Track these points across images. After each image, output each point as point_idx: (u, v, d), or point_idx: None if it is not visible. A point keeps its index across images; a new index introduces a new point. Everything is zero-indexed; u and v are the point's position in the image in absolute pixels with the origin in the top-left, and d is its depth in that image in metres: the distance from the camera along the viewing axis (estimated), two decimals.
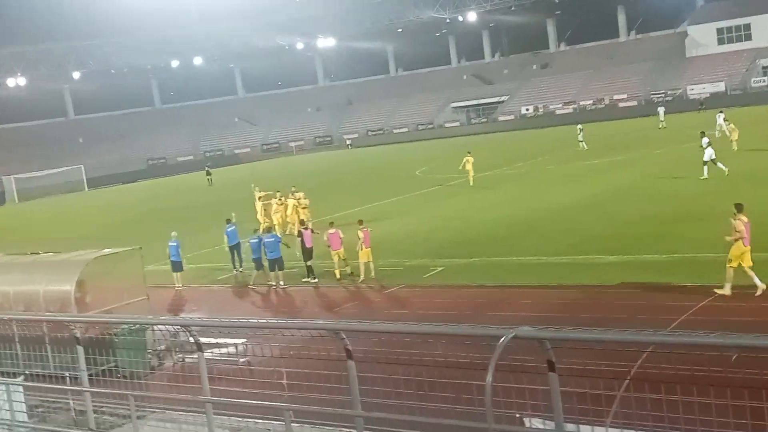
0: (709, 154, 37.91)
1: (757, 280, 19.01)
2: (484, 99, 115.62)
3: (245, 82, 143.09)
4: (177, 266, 29.55)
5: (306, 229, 28.53)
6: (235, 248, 30.80)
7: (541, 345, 7.46)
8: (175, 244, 29.49)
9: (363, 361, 9.02)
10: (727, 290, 19.18)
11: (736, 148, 45.31)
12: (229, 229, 30.95)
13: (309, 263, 27.44)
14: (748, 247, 19.08)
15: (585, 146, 59.24)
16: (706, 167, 37.43)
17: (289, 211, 37.21)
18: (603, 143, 62.51)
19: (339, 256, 26.88)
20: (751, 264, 19.15)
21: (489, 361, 7.42)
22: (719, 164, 37.55)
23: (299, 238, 28.30)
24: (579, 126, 62.01)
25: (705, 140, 39.02)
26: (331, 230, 27.05)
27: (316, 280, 27.14)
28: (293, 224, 35.15)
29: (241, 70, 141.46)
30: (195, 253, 34.37)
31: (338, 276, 26.87)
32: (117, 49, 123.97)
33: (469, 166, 47.77)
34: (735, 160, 40.25)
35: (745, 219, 19.28)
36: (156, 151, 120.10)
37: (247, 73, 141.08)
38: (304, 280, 27.27)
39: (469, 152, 49.32)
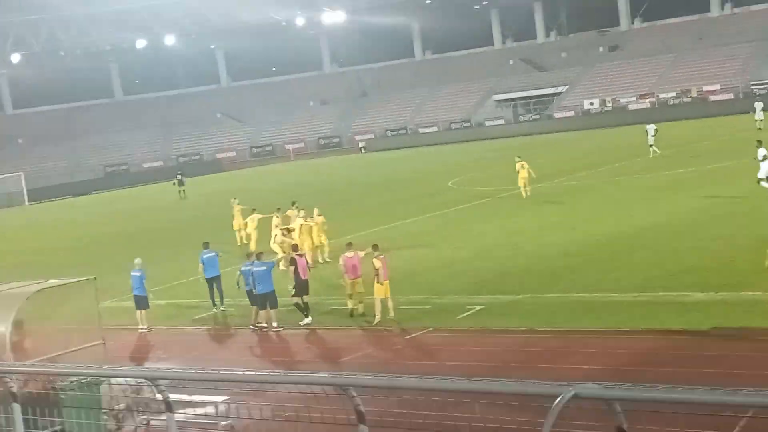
0: (765, 170, 38.34)
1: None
2: (535, 90, 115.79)
3: (230, 67, 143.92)
4: (141, 302, 29.55)
5: (301, 256, 28.58)
6: (214, 281, 30.76)
7: (608, 407, 7.43)
8: (138, 274, 29.53)
9: (378, 425, 9.01)
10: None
11: None
12: (205, 256, 30.99)
13: (305, 299, 27.42)
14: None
15: (656, 151, 59.05)
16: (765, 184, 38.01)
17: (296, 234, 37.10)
18: (689, 148, 62.29)
19: (356, 287, 26.99)
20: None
21: (542, 427, 7.39)
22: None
23: (291, 268, 28.25)
24: (651, 126, 61.57)
25: (762, 152, 39.52)
26: (349, 253, 27.08)
27: (309, 319, 27.14)
28: (307, 250, 35.25)
29: (226, 53, 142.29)
30: (164, 286, 34.44)
31: (353, 310, 27.07)
32: (67, 25, 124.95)
33: (524, 174, 48.03)
34: None
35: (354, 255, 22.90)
36: (116, 155, 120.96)
37: (233, 57, 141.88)
38: (302, 323, 27.25)
39: (519, 157, 49.53)
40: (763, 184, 38.65)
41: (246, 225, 42.88)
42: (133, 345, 28.21)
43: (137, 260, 30.28)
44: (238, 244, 43.38)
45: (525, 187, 47.99)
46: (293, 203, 40.12)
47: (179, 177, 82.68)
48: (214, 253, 31.25)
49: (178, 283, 35.65)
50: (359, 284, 26.95)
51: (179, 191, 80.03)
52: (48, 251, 52.26)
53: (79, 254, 48.71)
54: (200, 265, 31.00)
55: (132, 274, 29.69)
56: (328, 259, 35.99)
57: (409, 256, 34.94)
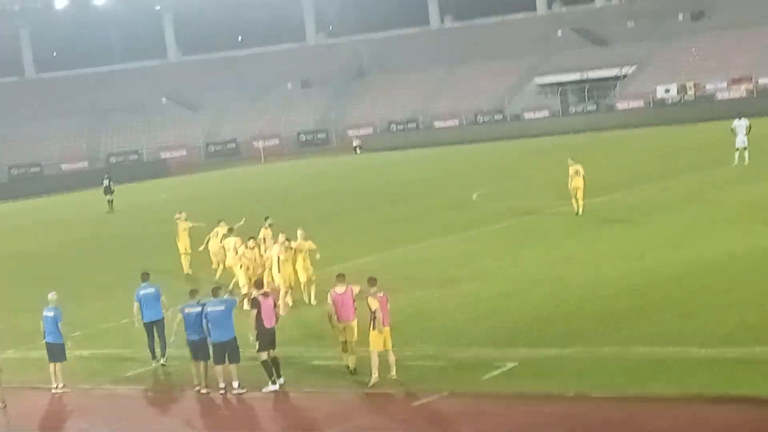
0: (741, 141, 39.43)
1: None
2: (592, 71, 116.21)
3: (181, 38, 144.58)
4: (56, 352, 29.18)
5: (266, 296, 28.07)
6: (154, 325, 30.59)
7: None
8: (52, 314, 29.21)
9: None
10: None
11: None
12: (143, 293, 30.84)
13: (273, 354, 27.10)
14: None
15: (746, 159, 58.76)
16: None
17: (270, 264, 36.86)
18: None
19: (348, 334, 26.83)
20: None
21: None
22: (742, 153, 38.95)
23: (253, 312, 27.62)
24: (742, 123, 60.99)
25: (739, 123, 40.27)
26: (340, 288, 26.89)
27: (282, 381, 26.91)
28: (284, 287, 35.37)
29: (175, 20, 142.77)
30: (87, 331, 34.35)
31: (351, 367, 26.93)
32: None
33: (578, 182, 48.29)
34: None
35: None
36: (25, 152, 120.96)
37: (184, 25, 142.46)
38: (266, 389, 26.95)
39: (573, 159, 49.79)
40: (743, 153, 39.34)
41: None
42: (43, 410, 28.08)
43: (51, 295, 29.73)
44: (185, 272, 43.62)
45: (578, 200, 48.26)
46: (266, 219, 40.03)
47: (106, 183, 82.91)
48: (154, 289, 30.94)
49: (106, 327, 35.51)
50: (352, 330, 26.77)
51: (107, 201, 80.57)
52: None
53: None
54: (135, 304, 30.65)
55: (44, 314, 29.28)
56: (314, 302, 35.48)
57: (419, 293, 35.02)
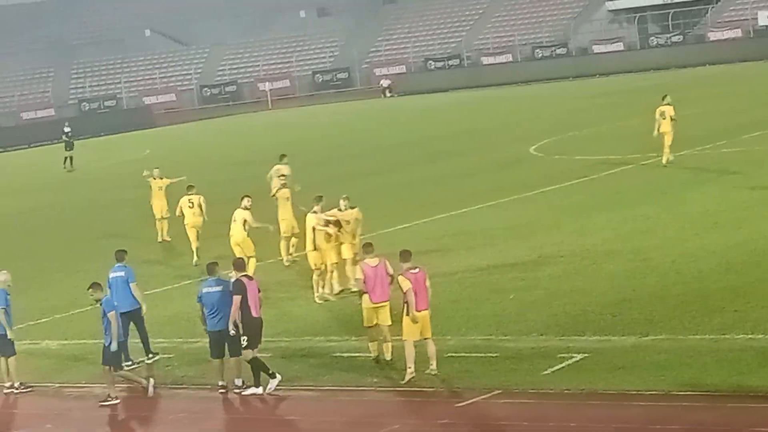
0: None
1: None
2: None
3: None
4: (5, 346, 29.31)
5: (250, 279, 28.07)
6: (131, 315, 30.66)
7: None
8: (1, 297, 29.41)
9: None
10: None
11: None
12: (112, 276, 30.97)
13: (254, 352, 27.11)
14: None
15: None
16: None
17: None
18: None
19: (384, 317, 26.95)
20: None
21: None
22: None
23: (237, 298, 27.19)
24: None
25: None
26: (371, 260, 27.13)
27: (278, 379, 26.98)
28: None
29: None
30: (45, 320, 34.62)
31: (387, 357, 27.10)
32: None
33: (666, 127, 48.89)
34: None
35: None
36: None
37: None
38: (248, 392, 27.02)
39: (664, 98, 50.26)
40: None
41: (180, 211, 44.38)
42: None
43: (2, 274, 29.96)
44: (159, 240, 44.94)
45: (666, 148, 48.80)
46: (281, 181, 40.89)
47: (67, 135, 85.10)
48: (124, 272, 30.97)
49: (68, 315, 35.66)
50: (386, 313, 26.90)
51: (65, 158, 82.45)
52: None
53: None
54: (107, 289, 30.46)
55: None
56: (337, 287, 35.27)
57: (464, 270, 35.11)
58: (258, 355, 26.89)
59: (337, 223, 34.35)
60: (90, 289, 28.37)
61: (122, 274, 30.64)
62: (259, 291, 27.76)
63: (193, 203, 43.70)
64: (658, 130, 48.66)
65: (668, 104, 49.49)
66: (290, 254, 39.71)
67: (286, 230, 39.30)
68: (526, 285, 33.50)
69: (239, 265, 28.85)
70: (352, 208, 34.72)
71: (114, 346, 26.98)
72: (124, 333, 29.64)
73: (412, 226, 41.00)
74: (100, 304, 27.68)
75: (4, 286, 29.59)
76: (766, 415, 22.07)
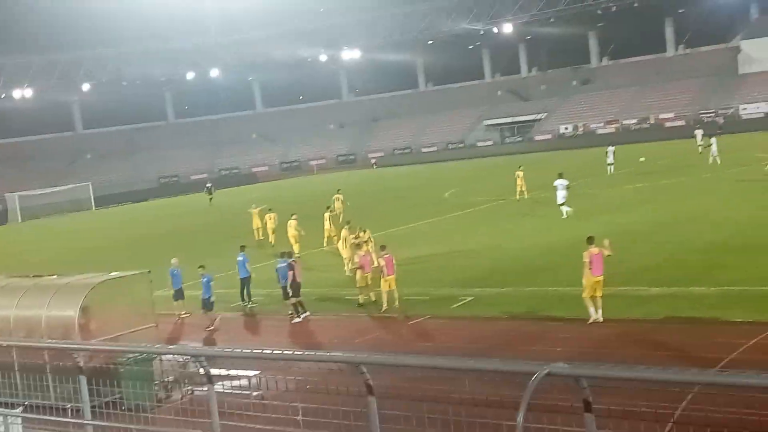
0: (562, 196, 41.33)
1: (591, 311, 21.89)
2: (519, 116, 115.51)
3: (264, 96, 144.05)
4: (178, 294, 29.54)
5: (295, 261, 28.36)
6: (245, 281, 30.10)
7: (577, 383, 7.39)
8: (177, 272, 29.59)
9: (385, 397, 8.97)
10: (595, 316, 21.88)
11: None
12: (239, 259, 30.27)
13: (298, 298, 27.18)
14: (599, 278, 21.93)
15: (612, 170, 59.09)
16: (564, 208, 40.82)
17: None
18: (649, 166, 62.12)
19: (390, 285, 26.32)
20: (600, 294, 21.94)
21: (521, 400, 7.36)
22: (564, 208, 40.68)
23: (291, 272, 27.20)
24: (611, 148, 61.23)
25: (561, 182, 41.83)
26: (386, 253, 26.80)
27: (308, 312, 27.06)
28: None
29: (260, 83, 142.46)
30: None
31: (386, 305, 26.33)
32: (129, 59, 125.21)
33: (520, 182, 49.58)
34: None
35: (595, 251, 22.15)
36: (168, 168, 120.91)
37: (267, 87, 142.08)
38: (297, 319, 26.97)
39: (520, 167, 51.02)
40: (563, 208, 41.06)
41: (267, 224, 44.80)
42: (179, 329, 28.23)
43: (174, 260, 30.10)
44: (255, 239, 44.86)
45: (524, 192, 49.54)
46: (330, 209, 42.68)
47: (209, 186, 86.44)
48: (242, 257, 30.24)
49: (220, 275, 35.63)
50: (392, 281, 26.29)
51: (209, 198, 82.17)
52: (110, 248, 52.32)
53: (138, 250, 48.71)
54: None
55: (171, 272, 29.54)
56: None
57: (412, 254, 34.82)
58: (299, 299, 26.95)
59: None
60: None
61: (241, 258, 30.11)
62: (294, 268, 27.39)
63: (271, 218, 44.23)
64: (516, 183, 49.51)
65: (521, 170, 50.08)
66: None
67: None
68: (444, 260, 33.46)
69: (289, 253, 29.36)
70: (364, 232, 32.20)
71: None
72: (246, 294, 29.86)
73: (386, 232, 40.61)
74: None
75: (175, 266, 29.64)
76: (564, 328, 22.01)
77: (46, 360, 17.58)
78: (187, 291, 29.84)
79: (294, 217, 39.93)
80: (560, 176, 42.88)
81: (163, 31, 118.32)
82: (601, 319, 21.70)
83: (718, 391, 7.52)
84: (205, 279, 27.57)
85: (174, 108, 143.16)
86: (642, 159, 61.59)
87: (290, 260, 27.88)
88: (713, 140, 60.12)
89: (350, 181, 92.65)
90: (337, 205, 50.11)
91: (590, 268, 22.01)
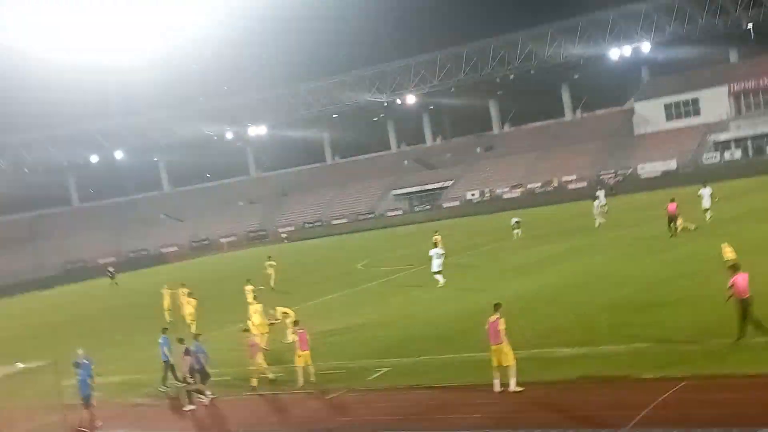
0: (437, 264, 42.58)
1: (495, 382, 21.61)
2: (427, 185, 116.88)
3: (171, 175, 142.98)
4: (87, 399, 24.77)
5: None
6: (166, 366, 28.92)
7: None
8: (83, 370, 24.91)
9: None
10: (497, 388, 21.55)
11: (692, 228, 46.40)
12: (160, 341, 29.05)
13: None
14: (496, 346, 21.74)
15: (520, 234, 59.82)
16: (439, 277, 42.21)
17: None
18: (555, 228, 63.28)
19: (305, 360, 26.02)
20: (509, 363, 21.65)
21: None
22: (438, 276, 42.24)
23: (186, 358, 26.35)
24: (515, 220, 61.60)
25: (436, 251, 43.53)
26: (300, 328, 26.56)
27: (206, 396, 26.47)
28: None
29: (166, 164, 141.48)
30: (118, 364, 33.60)
31: (301, 381, 25.98)
32: (29, 146, 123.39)
33: (439, 244, 49.31)
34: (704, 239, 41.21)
35: (492, 318, 21.97)
36: (75, 253, 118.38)
37: (173, 167, 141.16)
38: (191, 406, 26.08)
39: (436, 232, 52.77)
40: (437, 277, 42.24)
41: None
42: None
43: (80, 351, 25.79)
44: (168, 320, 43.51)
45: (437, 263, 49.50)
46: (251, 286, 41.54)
47: (110, 270, 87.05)
48: (163, 339, 28.93)
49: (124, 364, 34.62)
50: (307, 357, 26.01)
51: (112, 280, 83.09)
52: (14, 339, 50.67)
53: (42, 340, 47.27)
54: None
55: (78, 370, 24.84)
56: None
57: (325, 327, 34.57)
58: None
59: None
60: None
61: (162, 341, 28.84)
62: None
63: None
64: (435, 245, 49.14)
65: (437, 234, 51.73)
66: None
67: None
68: (358, 332, 33.25)
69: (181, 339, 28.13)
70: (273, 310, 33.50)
71: None
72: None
73: (300, 306, 40.15)
74: None
75: (83, 357, 25.32)
76: (480, 394, 22.01)
77: None
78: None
79: (188, 293, 39.94)
80: (435, 245, 44.53)
81: (65, 115, 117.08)
82: (514, 389, 21.27)
83: None
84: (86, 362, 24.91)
85: (78, 192, 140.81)
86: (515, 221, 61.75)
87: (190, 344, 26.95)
88: (600, 195, 65.51)
89: (261, 256, 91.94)
90: (269, 272, 53.18)
91: (488, 336, 21.92)
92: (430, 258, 43.31)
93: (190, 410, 25.78)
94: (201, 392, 26.21)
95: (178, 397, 27.37)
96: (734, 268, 23.11)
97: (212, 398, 26.43)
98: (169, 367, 28.72)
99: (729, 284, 22.66)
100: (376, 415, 21.66)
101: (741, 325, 22.11)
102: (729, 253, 30.73)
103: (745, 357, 20.88)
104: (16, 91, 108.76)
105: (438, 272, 42.46)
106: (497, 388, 21.45)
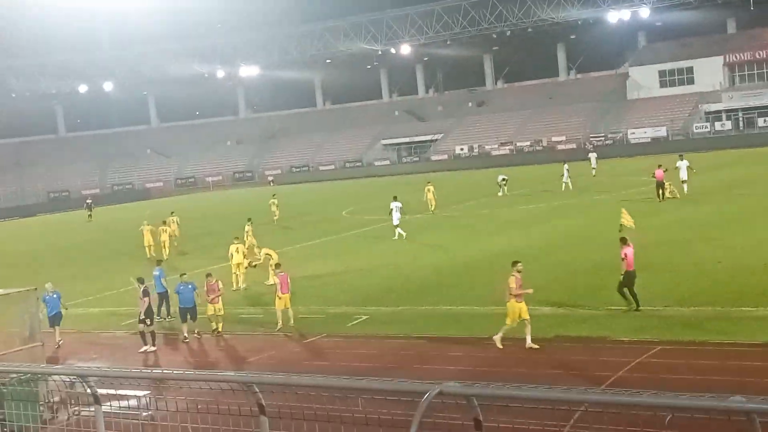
0: (396, 218, 43.34)
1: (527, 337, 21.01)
2: (416, 137, 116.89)
3: (160, 111, 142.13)
4: (55, 319, 27.08)
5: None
6: (162, 297, 29.13)
7: (467, 402, 7.48)
8: (52, 297, 27.18)
9: (277, 416, 8.91)
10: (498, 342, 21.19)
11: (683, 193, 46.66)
12: (155, 274, 29.36)
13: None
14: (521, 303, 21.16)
15: (506, 191, 60.12)
16: (398, 230, 42.90)
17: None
18: (541, 187, 63.45)
19: (285, 303, 26.02)
20: (519, 317, 21.07)
21: (412, 419, 7.40)
22: (398, 230, 42.84)
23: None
24: (502, 177, 62.04)
25: (396, 204, 43.89)
26: (281, 271, 26.53)
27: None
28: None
29: (156, 99, 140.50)
30: (97, 296, 33.67)
31: (280, 324, 25.99)
32: (18, 72, 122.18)
33: (430, 196, 52.68)
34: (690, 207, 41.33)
35: (517, 276, 21.25)
36: (59, 183, 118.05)
37: (162, 102, 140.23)
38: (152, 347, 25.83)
39: (429, 182, 54.45)
40: (397, 230, 43.00)
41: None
42: (68, 347, 27.42)
43: (48, 285, 27.57)
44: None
45: (432, 207, 52.55)
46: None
47: (88, 202, 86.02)
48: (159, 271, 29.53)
49: (109, 294, 34.75)
50: (287, 300, 26.06)
51: (88, 215, 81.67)
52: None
53: (24, 267, 47.25)
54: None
55: (44, 298, 26.34)
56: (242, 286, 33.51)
57: (308, 272, 34.72)
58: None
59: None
60: None
61: (158, 273, 29.32)
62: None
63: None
64: (427, 197, 53.20)
65: (430, 185, 53.65)
66: None
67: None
68: (337, 280, 33.37)
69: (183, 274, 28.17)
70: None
71: None
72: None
73: (283, 250, 40.27)
74: None
75: (49, 292, 27.23)
76: (456, 347, 22.18)
77: None
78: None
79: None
80: (395, 199, 44.41)
81: (55, 43, 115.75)
82: (530, 345, 20.86)
83: (604, 410, 7.70)
84: (56, 295, 27.13)
85: (65, 121, 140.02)
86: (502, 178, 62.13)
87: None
88: (592, 157, 68.06)
89: (248, 197, 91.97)
90: (273, 209, 57.54)
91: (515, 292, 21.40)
92: (390, 210, 44.01)
93: (145, 351, 25.56)
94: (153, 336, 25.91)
95: (173, 329, 27.66)
96: (623, 241, 23.90)
97: (190, 338, 26.55)
98: (164, 297, 29.04)
99: (621, 256, 23.48)
100: (353, 362, 21.82)
101: (632, 295, 23.17)
102: (626, 220, 31.34)
103: (722, 325, 21.15)
104: (7, 16, 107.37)
105: (397, 226, 43.11)
106: (500, 344, 21.15)
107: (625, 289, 23.33)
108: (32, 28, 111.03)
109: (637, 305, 23.10)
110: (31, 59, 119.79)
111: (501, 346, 21.11)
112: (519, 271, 21.43)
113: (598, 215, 44.34)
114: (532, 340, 21.00)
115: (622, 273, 23.36)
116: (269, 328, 26.46)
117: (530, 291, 21.66)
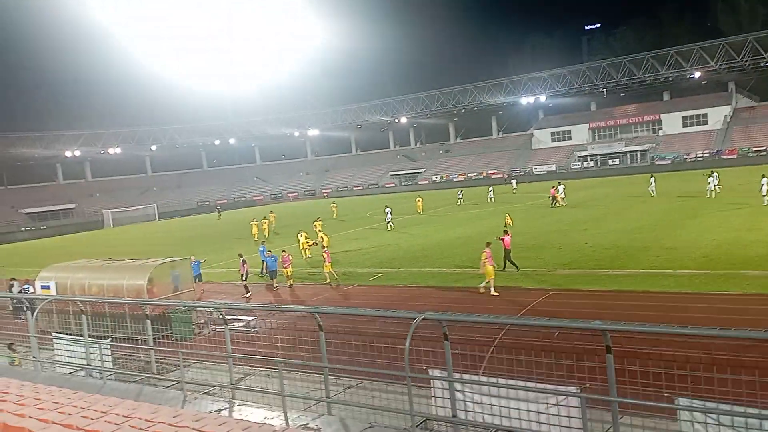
0: (389, 218, 42.58)
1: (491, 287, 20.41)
2: (409, 170, 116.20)
3: (261, 155, 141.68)
4: (198, 277, 26.15)
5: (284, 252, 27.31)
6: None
7: (440, 323, 7.48)
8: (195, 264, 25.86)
9: (329, 332, 8.94)
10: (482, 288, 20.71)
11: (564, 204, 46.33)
12: (261, 249, 29.59)
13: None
14: (493, 266, 20.62)
15: (462, 201, 60.07)
16: (390, 225, 42.02)
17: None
18: (482, 199, 63.08)
19: (329, 268, 25.28)
20: (493, 276, 20.55)
21: (407, 334, 7.42)
22: (390, 225, 41.87)
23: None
24: (460, 192, 62.79)
25: (388, 209, 43.34)
26: (325, 249, 26.30)
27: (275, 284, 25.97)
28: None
29: (259, 148, 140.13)
30: (223, 262, 33.61)
31: (328, 280, 25.34)
32: (180, 131, 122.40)
33: (419, 204, 51.98)
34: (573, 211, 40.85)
35: (488, 251, 20.76)
36: (203, 196, 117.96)
37: (263, 150, 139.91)
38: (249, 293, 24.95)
39: (419, 196, 53.95)
40: (389, 224, 41.89)
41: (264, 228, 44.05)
42: (209, 293, 27.42)
43: (192, 257, 25.68)
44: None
45: (421, 211, 51.24)
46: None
47: (218, 208, 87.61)
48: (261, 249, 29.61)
49: (232, 261, 34.57)
50: (330, 266, 25.58)
51: (218, 216, 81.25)
52: (167, 244, 50.63)
53: (182, 245, 47.19)
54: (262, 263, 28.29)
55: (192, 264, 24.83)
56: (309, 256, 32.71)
57: (346, 247, 34.52)
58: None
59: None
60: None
61: (262, 248, 29.03)
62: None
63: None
64: (417, 205, 51.64)
65: (420, 197, 52.14)
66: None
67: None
68: (363, 252, 32.83)
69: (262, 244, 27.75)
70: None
71: None
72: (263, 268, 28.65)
73: (333, 235, 39.62)
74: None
75: (195, 260, 26.14)
76: (435, 292, 21.97)
77: (126, 310, 16.96)
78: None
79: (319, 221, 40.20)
80: (386, 207, 44.60)
81: (201, 112, 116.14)
82: (493, 293, 19.92)
83: (519, 329, 7.67)
84: (197, 263, 26.15)
85: (206, 161, 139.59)
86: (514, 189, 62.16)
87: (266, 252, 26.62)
88: (513, 182, 67.06)
89: (312, 205, 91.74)
90: (333, 208, 56.06)
91: (487, 260, 20.56)
92: (385, 213, 43.63)
93: (248, 296, 24.90)
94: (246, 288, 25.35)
95: (270, 282, 26.93)
96: (505, 232, 24.53)
97: (276, 287, 26.48)
98: (264, 263, 28.45)
99: (500, 239, 23.96)
100: (373, 301, 21.74)
101: (504, 263, 23.42)
102: (508, 220, 34.39)
103: (588, 280, 20.99)
104: (174, 96, 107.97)
105: (388, 222, 42.73)
106: (482, 291, 20.65)
107: (509, 261, 23.58)
108: (190, 103, 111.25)
109: (517, 268, 23.25)
110: (187, 123, 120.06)
111: (497, 294, 20.18)
112: (488, 246, 21.32)
113: (516, 215, 44.02)
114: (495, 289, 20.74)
115: (504, 250, 23.73)
116: (321, 281, 26.41)
117: (493, 264, 21.04)
